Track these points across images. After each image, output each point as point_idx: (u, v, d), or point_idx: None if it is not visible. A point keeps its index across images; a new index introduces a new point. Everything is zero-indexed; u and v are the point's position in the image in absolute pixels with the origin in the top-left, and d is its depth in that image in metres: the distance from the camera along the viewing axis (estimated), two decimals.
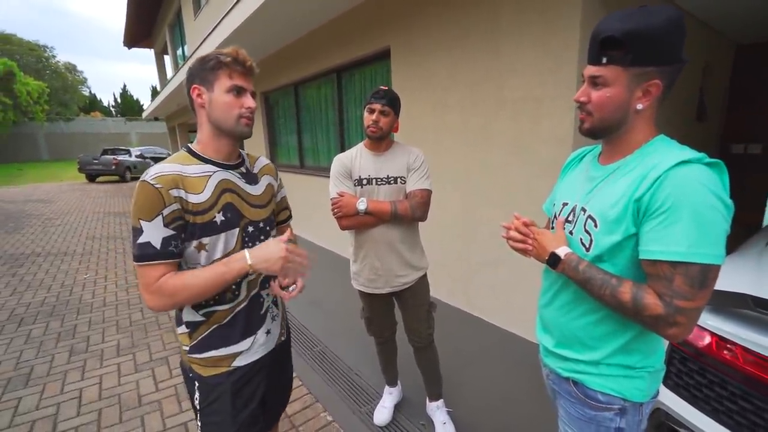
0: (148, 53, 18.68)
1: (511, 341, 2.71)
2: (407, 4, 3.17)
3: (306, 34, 4.69)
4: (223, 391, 1.08)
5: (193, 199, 0.96)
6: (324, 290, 3.77)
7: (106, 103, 48.03)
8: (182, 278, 0.95)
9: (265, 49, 5.46)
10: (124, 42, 15.96)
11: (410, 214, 1.62)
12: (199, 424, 1.10)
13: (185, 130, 15.43)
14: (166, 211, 0.92)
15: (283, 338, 1.26)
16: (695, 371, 1.43)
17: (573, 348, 0.96)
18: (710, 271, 0.73)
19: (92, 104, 43.33)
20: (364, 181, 1.67)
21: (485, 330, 2.89)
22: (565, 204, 1.00)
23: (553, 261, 0.91)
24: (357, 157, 1.71)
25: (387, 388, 2.11)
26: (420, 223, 1.75)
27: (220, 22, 4.77)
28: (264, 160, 1.25)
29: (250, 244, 1.08)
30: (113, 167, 15.54)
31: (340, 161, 1.71)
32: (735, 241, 2.20)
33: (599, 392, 0.91)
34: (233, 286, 1.06)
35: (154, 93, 34.56)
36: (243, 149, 1.19)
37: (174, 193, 0.93)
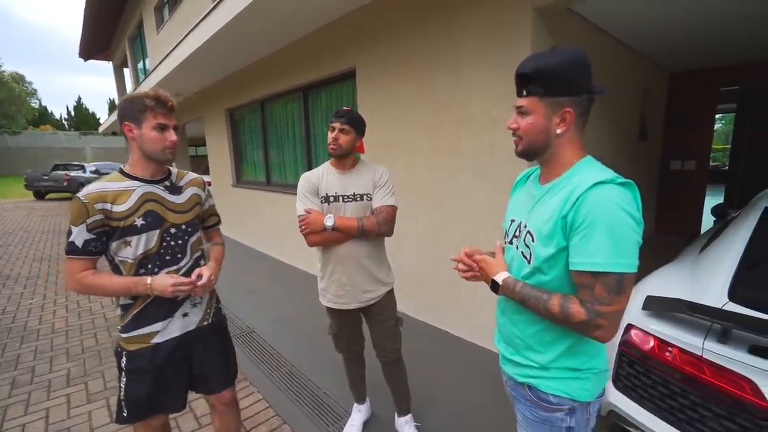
0: (106, 66, 17.97)
1: (477, 353, 2.78)
2: (372, 27, 3.30)
3: (272, 52, 4.72)
4: (144, 360, 1.36)
5: (116, 209, 1.26)
6: (291, 308, 3.71)
7: (58, 116, 45.35)
8: (101, 279, 1.27)
9: (229, 66, 5.43)
10: (80, 54, 15.25)
11: (377, 230, 1.67)
12: (122, 384, 1.37)
13: None
14: (89, 221, 1.22)
15: (206, 323, 1.51)
16: (642, 373, 1.54)
17: (525, 354, 1.04)
18: (625, 279, 0.83)
19: (42, 117, 40.72)
20: (331, 198, 1.71)
21: (452, 343, 2.95)
22: (512, 220, 1.10)
23: (494, 287, 1.03)
24: (324, 175, 1.74)
25: (356, 406, 2.10)
26: (387, 238, 1.81)
27: (184, 38, 4.71)
28: (192, 175, 1.54)
29: (171, 242, 1.37)
30: (65, 183, 14.59)
31: (307, 179, 1.74)
32: (674, 251, 2.41)
33: (551, 394, 0.98)
34: (153, 274, 1.35)
35: (112, 107, 33.09)
36: (172, 167, 1.48)
37: (98, 206, 1.23)
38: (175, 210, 1.38)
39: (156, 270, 1.35)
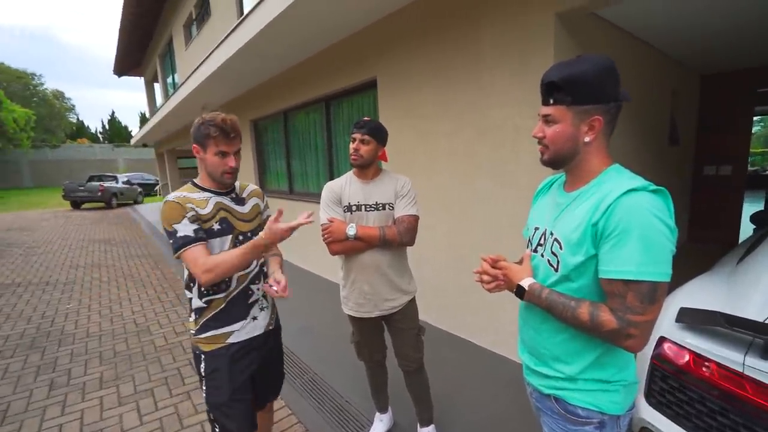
0: (138, 81, 18.87)
1: (499, 362, 2.73)
2: (392, 37, 3.34)
3: (295, 65, 4.84)
4: (223, 361, 1.43)
5: (200, 211, 1.37)
6: (314, 316, 3.74)
7: (93, 130, 47.87)
8: (222, 256, 1.32)
9: (254, 79, 5.60)
10: (114, 71, 16.10)
11: (398, 239, 1.67)
12: (204, 388, 1.44)
13: (173, 157, 15.43)
14: (188, 214, 1.33)
15: (270, 327, 1.59)
16: (676, 388, 1.47)
17: (551, 365, 1.01)
18: (658, 288, 0.81)
19: (79, 131, 43.13)
20: (354, 208, 1.73)
21: (474, 352, 2.90)
22: (536, 228, 1.08)
23: (519, 292, 1.01)
24: (346, 185, 1.77)
25: (378, 415, 2.09)
26: (408, 247, 1.81)
27: (210, 54, 4.90)
28: (252, 186, 1.63)
29: None
30: (99, 194, 15.37)
31: (330, 188, 1.77)
32: (710, 260, 2.30)
33: (579, 407, 0.95)
34: (226, 279, 1.41)
35: (143, 119, 34.59)
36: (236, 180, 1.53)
37: (188, 205, 1.35)
38: (242, 219, 1.49)
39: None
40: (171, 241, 1.32)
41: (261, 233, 1.32)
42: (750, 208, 4.77)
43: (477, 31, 2.64)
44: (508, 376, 2.55)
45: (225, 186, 1.46)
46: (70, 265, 6.30)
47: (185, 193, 1.40)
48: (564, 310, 0.90)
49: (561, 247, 0.93)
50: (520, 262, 1.09)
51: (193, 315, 1.46)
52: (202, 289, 1.42)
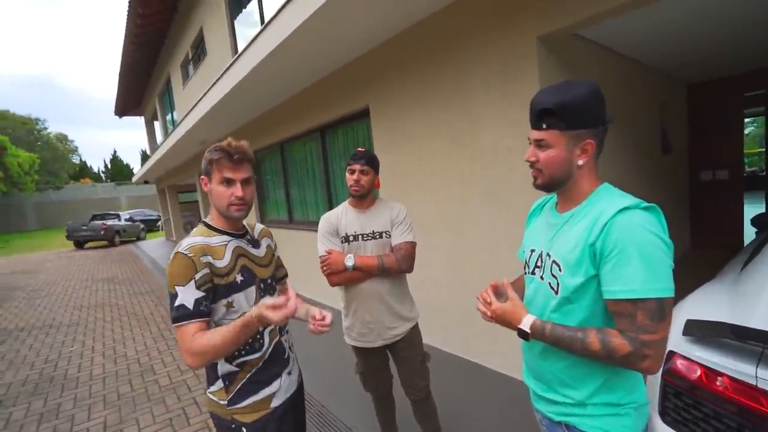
0: (138, 120, 19.29)
1: (505, 383, 2.66)
2: (381, 67, 3.44)
3: (289, 98, 4.97)
4: (272, 429, 1.22)
5: (218, 264, 1.14)
6: (318, 346, 3.69)
7: (96, 169, 48.67)
8: (211, 337, 1.05)
9: (250, 113, 5.73)
10: (115, 112, 16.50)
11: (397, 267, 1.67)
12: None
13: (174, 192, 15.60)
14: (197, 276, 1.09)
15: (300, 379, 1.43)
16: (691, 405, 1.43)
17: (559, 391, 0.99)
18: (665, 304, 0.81)
19: (82, 171, 43.83)
20: (351, 238, 1.74)
21: (482, 375, 2.84)
22: (532, 250, 1.08)
23: (523, 335, 0.98)
24: (343, 215, 1.78)
25: None
26: (408, 274, 1.80)
27: (206, 93, 5.04)
28: (260, 226, 1.44)
29: (265, 297, 1.23)
30: (102, 232, 15.46)
31: (326, 220, 1.79)
32: (715, 267, 2.28)
33: None
34: (258, 335, 1.22)
35: (144, 157, 35.22)
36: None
37: (204, 259, 1.11)
38: (261, 264, 1.30)
39: (260, 328, 1.22)
40: (170, 306, 1.11)
41: (255, 312, 1.03)
42: (751, 209, 4.76)
43: (462, 58, 2.71)
44: (518, 397, 2.48)
45: (235, 223, 1.26)
46: (73, 306, 6.28)
47: (201, 238, 1.17)
48: (572, 342, 0.88)
49: (560, 269, 0.93)
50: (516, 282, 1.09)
51: (220, 382, 1.20)
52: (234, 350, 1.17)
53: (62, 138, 36.82)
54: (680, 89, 5.25)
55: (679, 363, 1.47)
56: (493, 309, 1.04)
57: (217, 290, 1.14)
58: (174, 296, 1.08)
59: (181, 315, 1.07)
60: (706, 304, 1.73)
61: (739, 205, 5.38)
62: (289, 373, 1.33)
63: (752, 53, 4.05)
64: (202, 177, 1.23)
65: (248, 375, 1.21)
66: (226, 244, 1.20)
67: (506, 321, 1.02)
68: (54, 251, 15.58)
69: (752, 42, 3.63)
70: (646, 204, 0.86)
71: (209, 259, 1.12)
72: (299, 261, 5.26)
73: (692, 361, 1.43)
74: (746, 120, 5.93)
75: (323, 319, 1.26)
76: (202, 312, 1.09)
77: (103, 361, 3.90)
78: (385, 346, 1.81)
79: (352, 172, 1.73)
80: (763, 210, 4.85)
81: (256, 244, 1.33)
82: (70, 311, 6.00)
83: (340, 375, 3.04)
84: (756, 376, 1.22)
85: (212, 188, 1.19)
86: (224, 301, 1.16)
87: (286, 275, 1.50)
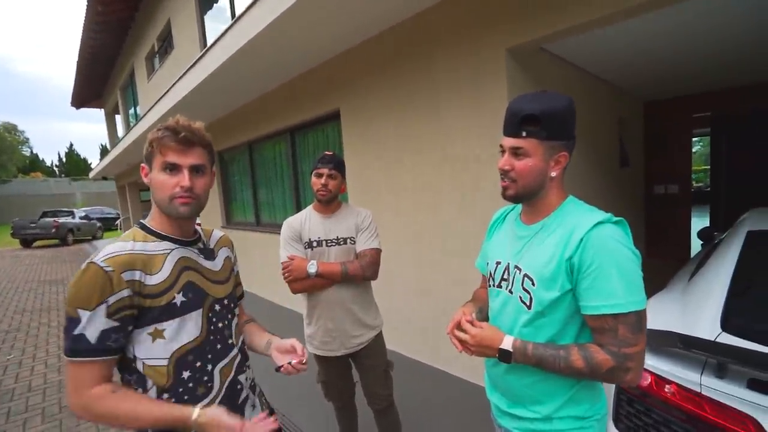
0: (98, 112, 18.26)
1: (471, 391, 2.67)
2: (353, 70, 3.41)
3: (259, 97, 4.85)
4: None
5: (150, 280, 0.88)
6: None
7: (49, 163, 45.67)
8: (125, 403, 0.83)
9: (218, 110, 5.55)
10: (72, 103, 15.51)
11: (361, 274, 1.64)
12: None
13: (136, 189, 14.85)
14: (111, 299, 0.82)
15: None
16: (642, 412, 1.48)
17: (525, 406, 0.99)
18: (642, 316, 0.83)
19: (33, 164, 40.94)
20: (314, 243, 1.69)
21: (446, 381, 2.84)
22: (498, 263, 1.06)
23: (505, 356, 0.91)
24: (306, 220, 1.73)
25: None
26: (374, 281, 1.77)
27: (172, 86, 4.83)
28: (218, 233, 1.17)
29: (219, 324, 1.01)
30: (53, 230, 14.44)
31: (289, 225, 1.73)
32: (667, 276, 2.40)
33: None
34: (205, 377, 0.95)
35: (104, 152, 33.32)
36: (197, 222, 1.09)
37: (126, 276, 0.84)
38: (215, 280, 1.03)
39: (209, 366, 0.96)
40: (65, 333, 0.82)
41: (204, 419, 0.83)
42: (698, 222, 5.08)
43: (432, 67, 2.73)
44: (482, 405, 2.50)
45: (183, 225, 0.98)
46: (14, 311, 5.79)
47: (131, 244, 0.90)
48: (555, 361, 0.87)
49: (534, 284, 0.92)
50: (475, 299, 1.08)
51: None
52: (165, 395, 0.90)
53: (11, 128, 34.24)
54: (637, 105, 5.55)
55: None
56: (473, 335, 0.96)
57: (142, 316, 0.87)
58: (73, 321, 0.80)
59: (77, 348, 0.80)
60: (657, 313, 1.81)
61: (687, 219, 5.74)
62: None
63: (701, 78, 4.36)
64: (143, 165, 0.96)
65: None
66: (167, 254, 0.93)
67: (485, 346, 0.94)
68: None
69: (700, 69, 3.91)
70: (616, 218, 0.88)
71: (135, 275, 0.86)
72: (266, 265, 5.11)
73: (644, 369, 1.49)
74: (694, 139, 6.35)
75: (303, 355, 1.04)
76: (108, 349, 0.83)
77: (45, 370, 3.60)
78: (348, 355, 1.77)
79: (320, 175, 1.68)
80: (708, 224, 5.19)
81: (210, 254, 1.06)
82: (10, 316, 5.53)
83: (303, 383, 2.95)
84: (700, 384, 1.28)
85: (152, 177, 0.92)
86: (150, 329, 0.88)
87: (242, 295, 1.25)
